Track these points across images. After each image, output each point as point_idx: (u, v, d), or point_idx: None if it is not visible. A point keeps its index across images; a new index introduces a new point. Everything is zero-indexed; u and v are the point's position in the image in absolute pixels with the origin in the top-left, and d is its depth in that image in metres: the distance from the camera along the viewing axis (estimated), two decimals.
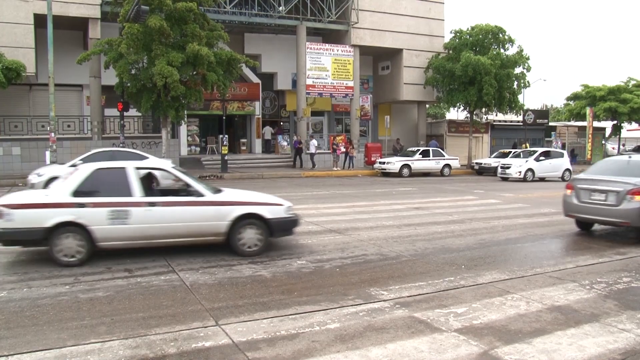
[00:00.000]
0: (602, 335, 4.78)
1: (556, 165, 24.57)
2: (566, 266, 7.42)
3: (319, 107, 31.31)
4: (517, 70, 30.17)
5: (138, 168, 7.77)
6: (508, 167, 24.05)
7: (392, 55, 31.29)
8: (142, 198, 7.39)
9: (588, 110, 35.73)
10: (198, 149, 29.74)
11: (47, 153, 19.87)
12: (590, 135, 35.85)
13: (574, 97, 39.77)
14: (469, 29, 30.67)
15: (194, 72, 20.48)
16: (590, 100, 37.16)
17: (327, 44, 28.75)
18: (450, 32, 31.40)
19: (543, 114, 38.99)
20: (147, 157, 14.98)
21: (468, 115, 32.52)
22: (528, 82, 31.05)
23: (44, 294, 5.77)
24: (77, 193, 7.19)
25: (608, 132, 40.70)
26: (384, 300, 5.71)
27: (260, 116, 30.85)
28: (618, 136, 40.51)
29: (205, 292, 5.93)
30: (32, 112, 24.70)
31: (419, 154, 26.01)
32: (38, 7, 21.36)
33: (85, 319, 5.02)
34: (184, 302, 5.57)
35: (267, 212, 7.96)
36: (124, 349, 4.33)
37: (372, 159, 27.72)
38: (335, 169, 26.74)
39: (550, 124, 39.51)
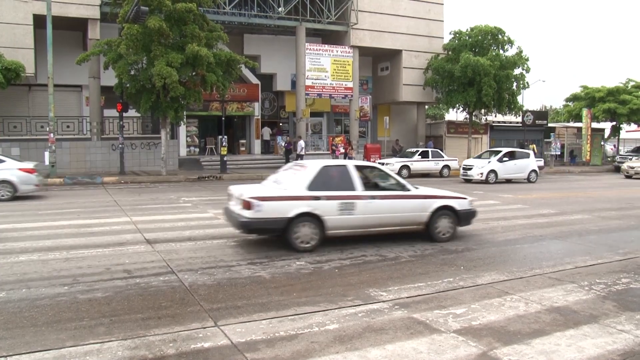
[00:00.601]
0: (601, 337, 4.79)
1: (521, 166, 23.53)
2: (565, 267, 7.42)
3: (318, 108, 31.34)
4: (516, 71, 30.21)
5: (356, 166, 8.83)
6: (470, 169, 22.91)
7: (392, 56, 31.32)
8: (363, 192, 8.46)
9: (585, 112, 35.73)
10: (197, 149, 29.74)
11: (46, 154, 19.92)
12: (589, 137, 35.87)
13: (573, 98, 39.81)
14: (468, 30, 30.70)
15: (194, 73, 20.49)
16: (589, 101, 37.19)
17: (326, 45, 28.76)
18: (450, 33, 31.47)
19: (542, 115, 38.99)
20: (4, 160, 14.35)
21: (467, 116, 32.54)
22: (527, 83, 31.11)
23: (43, 295, 5.77)
24: (310, 187, 8.14)
25: (607, 133, 40.74)
26: (383, 301, 5.71)
27: (259, 117, 30.86)
28: (617, 137, 40.55)
29: (204, 293, 5.92)
30: (32, 113, 24.72)
31: (418, 155, 26.01)
32: (37, 7, 21.37)
33: (84, 320, 5.02)
34: (183, 303, 5.56)
35: (457, 205, 9.21)
36: (123, 350, 4.32)
37: (371, 159, 27.72)
38: None
39: (550, 125, 39.52)
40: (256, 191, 8.21)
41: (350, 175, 8.50)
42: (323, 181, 8.31)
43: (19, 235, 9.09)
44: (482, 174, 22.37)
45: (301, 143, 26.44)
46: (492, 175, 22.50)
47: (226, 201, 9.30)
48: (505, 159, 23.22)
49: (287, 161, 26.41)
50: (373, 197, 8.50)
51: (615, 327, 5.02)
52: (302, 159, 26.23)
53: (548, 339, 4.72)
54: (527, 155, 24.34)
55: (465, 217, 9.32)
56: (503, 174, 22.85)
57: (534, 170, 23.80)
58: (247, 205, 7.81)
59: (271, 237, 8.70)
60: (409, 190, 8.96)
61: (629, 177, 26.35)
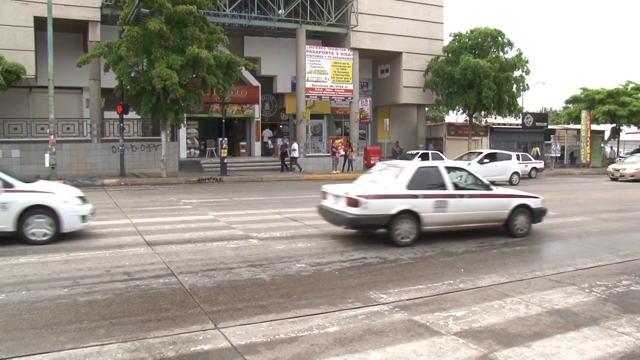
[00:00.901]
0: (601, 339, 4.78)
1: (503, 169, 22.64)
2: (565, 269, 7.42)
3: (318, 110, 31.35)
4: (516, 73, 30.25)
5: (447, 167, 9.61)
6: None
7: (392, 58, 31.35)
8: (454, 191, 9.17)
9: (584, 114, 35.76)
10: (197, 151, 29.75)
11: (47, 155, 19.92)
12: (588, 139, 35.90)
13: (573, 100, 39.87)
14: (468, 32, 30.76)
15: (194, 75, 20.49)
16: (589, 103, 37.23)
17: (326, 47, 28.79)
18: (450, 35, 31.54)
19: (542, 117, 39.07)
20: None
21: (467, 118, 32.58)
22: (527, 85, 31.14)
23: (43, 297, 5.76)
24: (409, 187, 8.85)
25: (607, 135, 40.77)
26: (383, 304, 5.70)
27: (259, 119, 30.87)
28: (617, 139, 40.57)
29: (204, 295, 5.91)
30: (32, 115, 24.72)
31: (418, 157, 25.92)
32: (38, 9, 21.39)
33: (83, 322, 5.01)
34: (183, 305, 5.56)
35: (532, 203, 9.98)
36: (123, 352, 4.32)
37: (372, 162, 27.70)
38: (334, 172, 26.75)
39: (550, 127, 39.61)
40: (361, 190, 8.87)
41: (441, 175, 9.24)
42: (419, 181, 9.02)
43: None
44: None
45: (294, 145, 26.35)
46: None
47: (320, 199, 9.89)
48: (485, 160, 22.48)
49: (283, 164, 26.34)
50: (462, 196, 9.23)
51: (616, 330, 5.02)
52: (295, 161, 26.14)
53: (549, 341, 4.71)
54: (508, 157, 23.62)
55: (538, 214, 10.08)
56: (483, 176, 22.01)
57: (515, 173, 23.08)
58: (355, 203, 8.45)
59: (365, 232, 9.48)
60: (492, 189, 9.77)
61: (614, 179, 25.99)
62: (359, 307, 5.57)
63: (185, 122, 23.46)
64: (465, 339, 4.72)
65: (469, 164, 21.97)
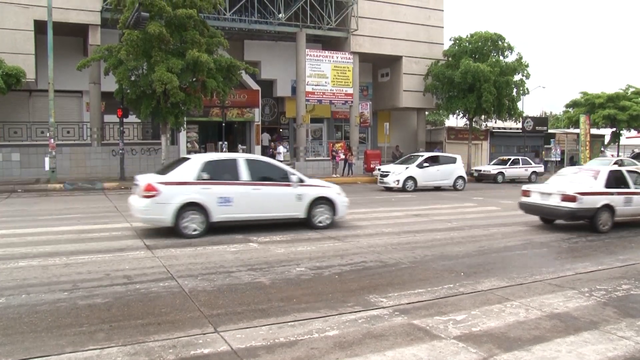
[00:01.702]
0: (601, 343, 4.78)
1: (446, 173, 21.71)
2: (565, 273, 7.42)
3: (318, 114, 31.34)
4: (516, 77, 30.25)
5: (628, 170, 11.94)
6: (386, 175, 21.18)
7: (392, 62, 31.37)
8: (635, 189, 11.43)
9: (582, 118, 35.76)
10: None
11: (47, 159, 19.93)
12: (588, 143, 35.91)
13: (573, 104, 39.85)
14: (468, 36, 30.78)
15: (194, 79, 20.49)
16: (589, 107, 37.22)
17: (326, 51, 28.81)
18: (450, 39, 31.52)
19: (542, 121, 39.07)
20: None
21: (467, 122, 32.58)
22: (527, 89, 31.12)
23: (43, 300, 5.76)
24: (606, 186, 11.08)
25: (607, 139, 40.77)
26: (383, 308, 5.70)
27: (259, 123, 30.87)
28: (617, 143, 40.57)
29: (204, 299, 5.91)
30: (32, 118, 24.72)
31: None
32: (38, 13, 21.41)
33: (83, 326, 5.01)
34: (182, 309, 5.55)
35: None
36: (123, 356, 4.31)
37: (372, 165, 27.72)
38: (334, 175, 26.75)
39: (550, 131, 39.59)
40: (573, 188, 10.87)
41: (625, 176, 11.50)
42: (611, 181, 11.18)
43: (19, 241, 9.09)
44: (398, 180, 20.71)
45: (279, 148, 26.22)
46: (410, 183, 20.82)
47: (520, 197, 12.28)
48: (425, 164, 21.59)
49: None
50: (637, 194, 11.38)
51: (616, 334, 5.02)
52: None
53: (548, 345, 4.71)
54: (452, 161, 22.61)
55: None
56: (423, 181, 21.15)
57: (460, 177, 22.12)
58: (572, 199, 10.67)
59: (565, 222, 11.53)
60: None
61: None
62: (359, 311, 5.57)
63: (185, 125, 23.45)
64: (465, 343, 4.72)
65: (407, 167, 21.32)
